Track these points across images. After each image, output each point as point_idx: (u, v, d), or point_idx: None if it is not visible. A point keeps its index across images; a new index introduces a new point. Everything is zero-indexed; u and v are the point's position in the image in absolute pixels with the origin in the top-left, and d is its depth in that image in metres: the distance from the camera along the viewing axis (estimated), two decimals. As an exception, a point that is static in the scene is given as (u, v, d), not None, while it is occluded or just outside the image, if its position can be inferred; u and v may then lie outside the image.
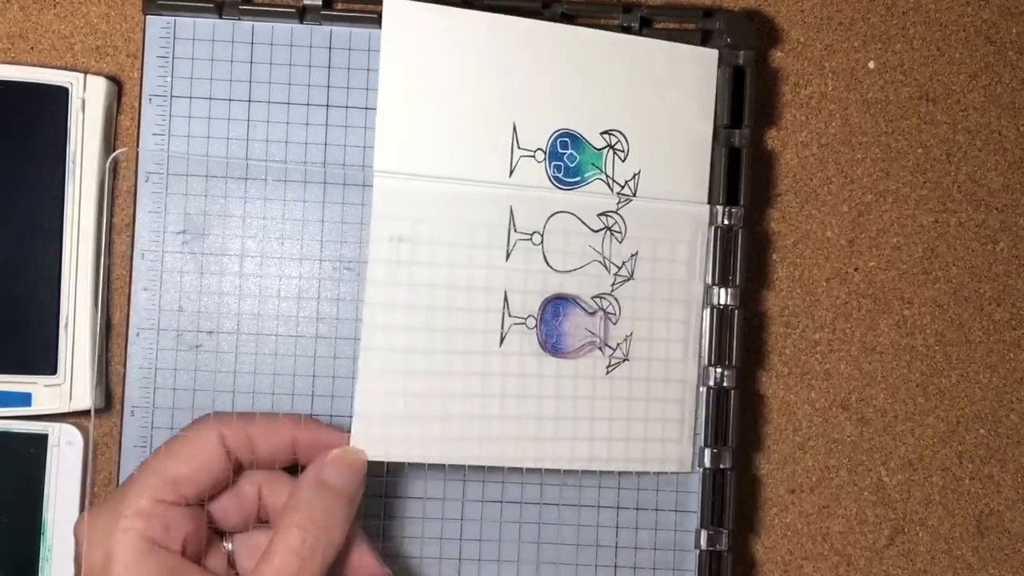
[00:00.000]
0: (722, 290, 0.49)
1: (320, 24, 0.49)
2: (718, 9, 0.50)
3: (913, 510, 0.51)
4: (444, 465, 0.48)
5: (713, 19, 0.49)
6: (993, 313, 0.52)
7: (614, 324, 0.49)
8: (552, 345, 0.48)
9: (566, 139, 0.49)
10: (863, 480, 0.51)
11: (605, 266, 0.49)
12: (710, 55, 0.49)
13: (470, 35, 0.47)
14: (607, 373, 0.48)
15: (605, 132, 0.49)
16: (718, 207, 0.49)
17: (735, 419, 0.49)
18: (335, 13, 0.49)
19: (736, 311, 0.49)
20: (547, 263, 0.48)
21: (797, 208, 0.51)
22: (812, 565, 0.51)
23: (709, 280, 0.49)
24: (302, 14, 0.49)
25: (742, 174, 0.49)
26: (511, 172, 0.48)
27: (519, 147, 0.48)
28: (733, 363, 0.49)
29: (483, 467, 0.48)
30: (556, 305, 0.48)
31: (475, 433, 0.47)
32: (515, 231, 0.48)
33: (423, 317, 0.47)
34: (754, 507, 0.51)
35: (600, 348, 0.48)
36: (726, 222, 0.49)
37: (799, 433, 0.51)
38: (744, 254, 0.49)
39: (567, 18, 0.49)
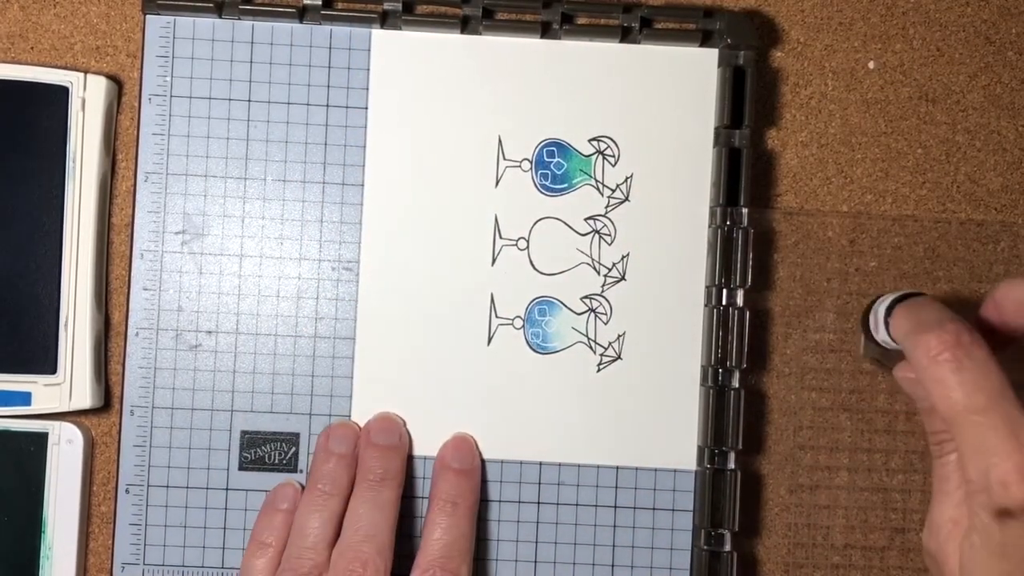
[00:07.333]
0: (724, 290, 0.49)
1: (320, 24, 0.49)
2: (718, 9, 0.50)
3: (913, 510, 0.51)
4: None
5: (713, 19, 0.49)
6: (993, 313, 0.52)
7: (604, 324, 0.49)
8: (539, 344, 0.49)
9: (552, 148, 0.49)
10: (863, 480, 0.51)
11: (595, 268, 0.49)
12: (707, 56, 0.49)
13: (453, 58, 0.49)
14: (598, 371, 0.49)
15: (593, 139, 0.49)
16: (718, 207, 0.49)
17: (740, 421, 0.48)
18: (335, 13, 0.49)
19: (739, 312, 0.48)
20: (533, 267, 0.49)
21: (797, 208, 0.51)
22: (812, 565, 0.51)
23: (710, 280, 0.49)
24: (302, 14, 0.49)
25: (742, 174, 0.49)
26: (497, 183, 0.49)
27: (504, 158, 0.49)
28: (735, 363, 0.48)
29: (481, 468, 0.49)
30: (543, 306, 0.49)
31: (468, 428, 0.49)
32: (500, 237, 0.49)
33: (414, 318, 0.49)
34: (754, 507, 0.51)
35: (589, 346, 0.49)
36: (727, 222, 0.49)
37: (800, 433, 0.51)
38: (745, 254, 0.49)
39: (567, 18, 0.49)
